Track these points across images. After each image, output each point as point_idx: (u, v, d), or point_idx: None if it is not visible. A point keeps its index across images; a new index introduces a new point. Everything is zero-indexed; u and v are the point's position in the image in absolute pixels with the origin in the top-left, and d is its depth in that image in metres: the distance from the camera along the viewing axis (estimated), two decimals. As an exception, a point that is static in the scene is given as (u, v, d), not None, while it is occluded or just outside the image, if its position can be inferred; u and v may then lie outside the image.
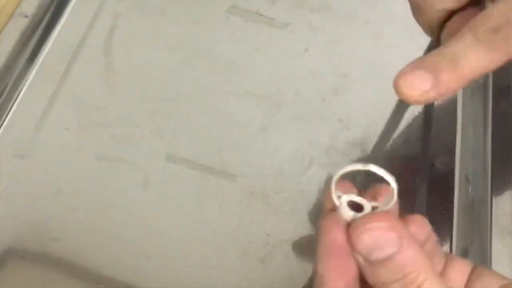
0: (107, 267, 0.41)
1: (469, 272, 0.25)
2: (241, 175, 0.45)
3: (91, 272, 0.41)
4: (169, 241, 0.42)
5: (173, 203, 0.44)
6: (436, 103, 0.49)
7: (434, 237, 0.25)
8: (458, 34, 0.23)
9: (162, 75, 0.49)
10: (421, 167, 0.47)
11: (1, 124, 0.46)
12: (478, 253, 0.44)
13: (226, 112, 0.48)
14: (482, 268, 0.26)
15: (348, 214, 0.22)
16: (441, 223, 0.45)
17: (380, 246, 0.21)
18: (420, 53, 0.51)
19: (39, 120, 0.46)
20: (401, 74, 0.23)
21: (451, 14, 0.27)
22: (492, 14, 0.22)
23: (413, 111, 0.48)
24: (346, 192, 0.23)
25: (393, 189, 0.23)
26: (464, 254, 0.44)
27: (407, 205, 0.45)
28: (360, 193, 0.23)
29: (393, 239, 0.21)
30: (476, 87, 0.50)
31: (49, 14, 0.51)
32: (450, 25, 0.27)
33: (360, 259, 0.22)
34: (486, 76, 0.51)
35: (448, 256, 0.26)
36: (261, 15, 0.52)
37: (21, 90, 0.47)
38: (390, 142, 0.47)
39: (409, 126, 0.48)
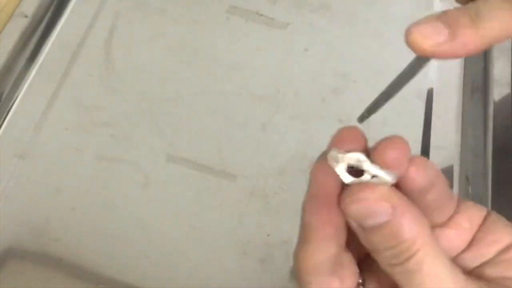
0: (107, 267, 0.41)
1: (481, 221, 0.24)
2: (241, 175, 0.45)
3: (91, 271, 0.41)
4: (169, 241, 0.42)
5: (173, 203, 0.44)
6: (435, 103, 0.49)
7: (443, 181, 0.23)
8: None
9: (162, 75, 0.49)
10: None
11: (1, 124, 0.46)
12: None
13: (226, 112, 0.48)
14: (495, 219, 0.24)
15: (346, 178, 0.21)
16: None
17: (371, 215, 0.21)
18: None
19: (39, 120, 0.46)
20: (415, 23, 0.21)
21: None
22: None
23: (414, 111, 0.48)
24: (353, 147, 0.22)
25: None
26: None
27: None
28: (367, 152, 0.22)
29: (385, 209, 0.20)
30: (476, 86, 0.50)
31: (49, 14, 0.51)
32: None
33: (353, 224, 0.21)
34: (486, 76, 0.51)
35: (461, 201, 0.24)
36: (261, 15, 0.52)
37: (21, 90, 0.47)
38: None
39: (409, 126, 0.48)
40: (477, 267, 0.24)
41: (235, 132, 0.47)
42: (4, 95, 0.47)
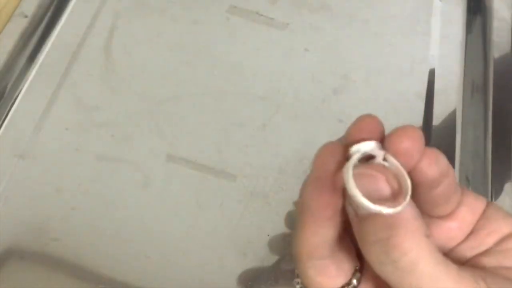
0: (107, 267, 0.41)
1: (481, 212, 0.24)
2: (241, 175, 0.45)
3: (91, 272, 0.41)
4: (169, 241, 0.42)
5: (173, 203, 0.44)
6: (435, 103, 0.49)
7: (452, 174, 0.23)
8: None
9: (162, 75, 0.49)
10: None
11: (1, 124, 0.46)
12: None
13: (226, 112, 0.48)
14: (494, 209, 0.24)
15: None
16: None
17: (369, 197, 0.20)
18: (420, 52, 0.51)
19: (39, 120, 0.46)
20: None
21: None
22: None
23: (414, 111, 0.48)
24: (369, 136, 0.21)
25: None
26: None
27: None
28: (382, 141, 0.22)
29: (386, 192, 0.20)
30: (476, 87, 0.50)
31: (49, 14, 0.51)
32: None
33: (351, 212, 0.21)
34: (486, 76, 0.51)
35: (464, 192, 0.24)
36: (261, 15, 0.52)
37: (21, 90, 0.47)
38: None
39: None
40: (475, 256, 0.24)
41: (235, 132, 0.47)
42: (4, 95, 0.47)
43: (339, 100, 0.48)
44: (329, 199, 0.21)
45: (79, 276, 0.40)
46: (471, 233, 0.24)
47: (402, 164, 0.21)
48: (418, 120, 0.48)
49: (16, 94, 0.47)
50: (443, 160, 0.22)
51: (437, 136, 0.48)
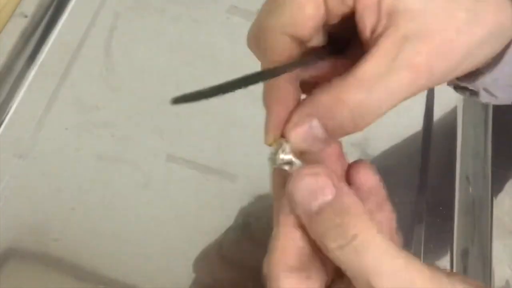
0: (106, 267, 0.41)
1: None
2: (241, 175, 0.45)
3: (91, 272, 0.41)
4: (169, 241, 0.42)
5: (173, 203, 0.43)
6: (436, 103, 0.49)
7: (382, 190, 0.25)
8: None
9: (162, 75, 0.49)
10: (422, 166, 0.47)
11: (1, 124, 0.46)
12: (478, 253, 0.44)
13: (226, 112, 0.47)
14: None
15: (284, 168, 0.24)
16: (441, 223, 0.45)
17: (315, 193, 0.22)
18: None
19: (39, 120, 0.46)
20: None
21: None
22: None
23: (415, 111, 0.48)
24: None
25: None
26: (465, 254, 0.44)
27: (408, 205, 0.45)
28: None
29: (328, 185, 0.22)
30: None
31: (49, 14, 0.51)
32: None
33: (301, 213, 0.22)
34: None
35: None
36: (261, 15, 0.52)
37: (21, 90, 0.47)
38: (391, 141, 0.47)
39: (410, 126, 0.48)
40: None
41: (235, 132, 0.47)
42: (4, 95, 0.47)
43: (339, 100, 0.48)
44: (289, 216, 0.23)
45: (79, 276, 0.40)
46: None
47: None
48: (419, 120, 0.48)
49: (16, 94, 0.47)
50: (374, 171, 0.25)
51: (438, 136, 0.48)
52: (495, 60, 0.24)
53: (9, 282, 0.40)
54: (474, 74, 0.25)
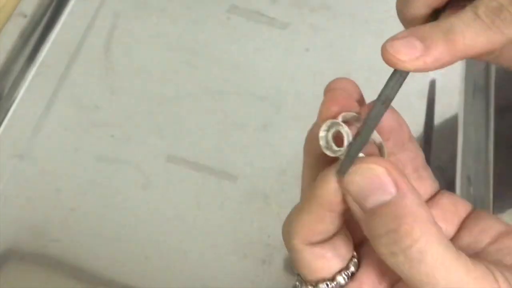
0: (106, 268, 0.41)
1: (467, 213, 0.24)
2: (241, 176, 0.45)
3: (91, 272, 0.41)
4: (169, 241, 0.42)
5: (173, 204, 0.43)
6: (437, 103, 0.49)
7: (404, 129, 0.24)
8: (460, 11, 0.22)
9: (162, 75, 0.49)
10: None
11: (1, 124, 0.46)
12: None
13: (226, 112, 0.47)
14: (482, 211, 0.24)
15: (332, 149, 0.21)
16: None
17: (374, 190, 0.20)
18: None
19: (38, 120, 0.46)
20: (390, 39, 0.22)
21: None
22: None
23: (416, 111, 0.48)
24: (340, 109, 0.22)
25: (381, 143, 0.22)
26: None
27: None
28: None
29: (389, 184, 0.20)
30: (478, 87, 0.50)
31: (48, 14, 0.51)
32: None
33: (355, 208, 0.21)
34: (488, 77, 0.50)
35: (444, 192, 0.25)
36: (262, 14, 0.52)
37: (20, 90, 0.47)
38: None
39: (410, 126, 0.48)
40: (471, 255, 0.23)
41: (235, 132, 0.47)
42: (3, 95, 0.47)
43: (339, 100, 0.48)
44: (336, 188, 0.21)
45: (78, 277, 0.40)
46: (461, 230, 0.24)
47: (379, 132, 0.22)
48: (420, 121, 0.48)
49: (16, 94, 0.47)
50: (397, 113, 0.24)
51: (439, 136, 0.48)
52: None
53: (9, 283, 0.40)
54: None
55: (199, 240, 0.42)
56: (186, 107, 0.47)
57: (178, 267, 0.41)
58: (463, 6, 0.22)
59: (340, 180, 0.21)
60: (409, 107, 0.48)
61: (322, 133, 0.22)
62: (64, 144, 0.45)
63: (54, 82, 0.48)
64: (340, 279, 0.22)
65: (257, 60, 0.50)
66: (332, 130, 0.22)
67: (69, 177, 0.44)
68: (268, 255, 0.42)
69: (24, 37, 0.49)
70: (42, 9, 0.51)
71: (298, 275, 0.24)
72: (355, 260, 0.23)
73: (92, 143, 0.45)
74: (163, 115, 0.47)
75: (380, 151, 0.23)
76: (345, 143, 0.21)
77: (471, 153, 0.47)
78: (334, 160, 0.22)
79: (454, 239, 0.24)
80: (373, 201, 0.20)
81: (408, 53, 0.21)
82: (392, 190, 0.20)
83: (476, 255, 0.23)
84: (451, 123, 0.49)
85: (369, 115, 0.21)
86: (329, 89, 0.24)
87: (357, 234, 0.23)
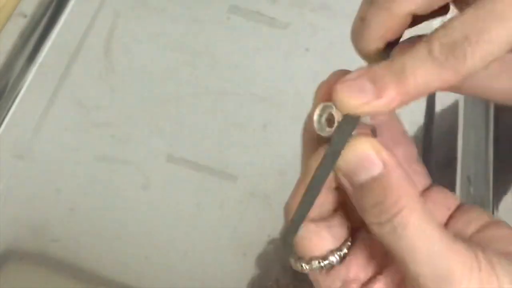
0: (106, 268, 0.41)
1: (456, 205, 0.25)
2: (241, 176, 0.45)
3: (91, 273, 0.41)
4: (169, 241, 0.42)
5: (173, 204, 0.43)
6: (437, 103, 0.49)
7: (397, 123, 0.25)
8: (413, 47, 0.21)
9: (162, 75, 0.49)
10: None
11: (1, 124, 0.46)
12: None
13: (227, 112, 0.47)
14: (470, 204, 0.25)
15: (325, 130, 0.23)
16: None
17: (362, 167, 0.21)
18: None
19: (39, 120, 0.46)
20: (341, 81, 0.22)
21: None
22: (451, 27, 0.20)
23: (415, 111, 0.48)
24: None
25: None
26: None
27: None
28: None
29: (376, 160, 0.21)
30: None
31: (48, 14, 0.51)
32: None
33: (346, 184, 0.22)
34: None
35: (436, 186, 0.25)
36: (262, 14, 0.52)
37: (20, 90, 0.47)
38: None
39: (410, 128, 0.48)
40: None
41: (235, 132, 0.47)
42: (3, 95, 0.47)
43: (340, 100, 0.48)
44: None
45: (78, 277, 0.40)
46: (449, 221, 0.25)
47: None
48: (420, 121, 0.48)
49: (16, 94, 0.47)
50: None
51: (439, 136, 0.48)
52: None
53: (8, 283, 0.40)
54: None
55: (199, 240, 0.42)
56: (186, 107, 0.47)
57: (178, 267, 0.41)
58: (419, 38, 0.22)
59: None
60: (409, 107, 0.48)
61: (316, 117, 0.23)
62: (64, 144, 0.45)
63: (54, 82, 0.48)
64: (332, 259, 0.24)
65: (257, 60, 0.50)
66: (326, 113, 0.23)
67: (69, 177, 0.44)
68: (268, 255, 0.42)
69: (24, 37, 0.49)
70: (42, 9, 0.51)
71: (293, 251, 0.25)
72: (349, 243, 0.24)
73: (92, 143, 0.45)
74: (163, 115, 0.47)
75: (372, 132, 0.23)
76: (335, 124, 0.22)
77: (471, 153, 0.47)
78: (328, 140, 0.22)
79: None
80: (361, 176, 0.21)
81: (359, 97, 0.21)
82: (379, 166, 0.21)
83: None
84: (451, 123, 0.48)
85: (316, 173, 0.22)
86: (327, 78, 0.25)
87: (355, 219, 0.24)
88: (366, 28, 0.25)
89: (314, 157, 0.23)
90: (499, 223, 0.24)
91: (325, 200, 0.23)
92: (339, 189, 0.23)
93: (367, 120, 0.23)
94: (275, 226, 0.43)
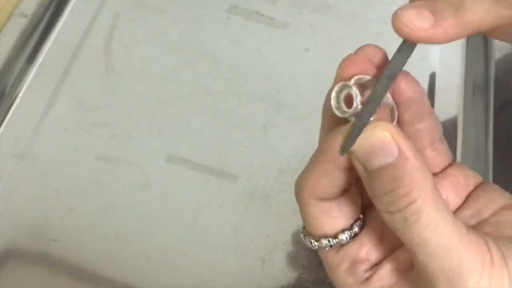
0: (106, 268, 0.41)
1: (476, 184, 0.25)
2: (241, 176, 0.45)
3: (91, 273, 0.41)
4: (169, 241, 0.42)
5: (173, 204, 0.43)
6: (437, 103, 0.49)
7: (424, 100, 0.25)
8: None
9: (162, 75, 0.49)
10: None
11: (1, 124, 0.46)
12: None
13: (226, 112, 0.47)
14: (490, 184, 0.25)
15: (341, 109, 0.23)
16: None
17: (376, 153, 0.21)
18: (421, 52, 0.50)
19: (39, 120, 0.46)
20: (402, 7, 0.22)
21: None
22: None
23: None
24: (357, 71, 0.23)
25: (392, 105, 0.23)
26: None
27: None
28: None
29: (391, 147, 0.21)
30: (477, 87, 0.50)
31: (48, 14, 0.51)
32: None
33: (360, 169, 0.22)
34: (487, 76, 0.50)
35: (458, 164, 0.25)
36: (262, 14, 0.52)
37: (20, 90, 0.47)
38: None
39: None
40: (473, 226, 0.24)
41: (235, 132, 0.47)
42: (3, 95, 0.47)
43: (339, 100, 0.48)
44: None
45: (78, 277, 0.40)
46: (467, 201, 0.25)
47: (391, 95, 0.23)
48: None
49: (16, 94, 0.47)
50: (418, 83, 0.24)
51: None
52: None
53: (8, 283, 0.40)
54: None
55: (199, 240, 0.42)
56: (186, 107, 0.47)
57: (178, 267, 0.41)
58: None
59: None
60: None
61: (333, 94, 0.23)
62: (64, 144, 0.45)
63: (54, 82, 0.48)
64: (342, 237, 0.23)
65: (257, 60, 0.50)
66: (344, 92, 0.23)
67: (69, 177, 0.44)
68: (267, 254, 0.42)
69: (24, 37, 0.49)
70: (42, 9, 0.51)
71: (304, 227, 0.24)
72: (360, 222, 0.24)
73: (92, 143, 0.45)
74: (163, 115, 0.47)
75: (391, 113, 0.23)
76: (354, 104, 0.22)
77: (471, 153, 0.47)
78: (346, 120, 0.22)
79: (460, 209, 0.25)
80: (375, 163, 0.21)
81: (418, 23, 0.21)
82: (394, 153, 0.21)
83: (477, 225, 0.24)
84: (451, 123, 0.48)
85: (375, 88, 0.22)
86: (351, 54, 0.24)
87: (367, 197, 0.23)
88: None
89: (328, 139, 0.23)
90: None
91: (337, 179, 0.23)
92: (353, 167, 0.22)
93: (389, 100, 0.23)
94: (274, 225, 0.43)
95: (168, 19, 0.52)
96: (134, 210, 0.43)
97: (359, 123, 0.21)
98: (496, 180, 0.46)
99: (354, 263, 0.23)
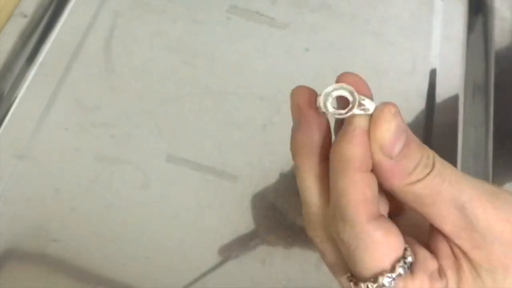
0: (106, 268, 0.41)
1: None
2: (241, 176, 0.45)
3: (91, 272, 0.41)
4: (169, 241, 0.42)
5: (173, 204, 0.43)
6: (437, 103, 0.49)
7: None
8: None
9: (162, 75, 0.49)
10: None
11: (1, 124, 0.46)
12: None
13: (227, 112, 0.47)
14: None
15: (328, 107, 0.24)
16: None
17: (400, 134, 0.22)
18: (421, 52, 0.50)
19: (38, 120, 0.46)
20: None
21: None
22: None
23: (415, 111, 0.48)
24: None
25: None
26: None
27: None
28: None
29: (405, 129, 0.22)
30: (478, 86, 0.50)
31: (48, 14, 0.51)
32: None
33: (381, 158, 0.21)
34: (488, 77, 0.50)
35: None
36: (262, 15, 0.52)
37: (20, 90, 0.47)
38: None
39: (411, 125, 0.48)
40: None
41: (235, 132, 0.47)
42: (3, 95, 0.47)
43: (339, 100, 0.48)
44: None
45: (78, 277, 0.40)
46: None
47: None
48: (420, 120, 0.48)
49: (16, 94, 0.47)
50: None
51: (439, 135, 0.48)
52: None
53: (9, 283, 0.40)
54: None
55: (199, 240, 0.42)
56: (186, 107, 0.47)
57: (178, 267, 0.41)
58: None
59: (370, 133, 0.22)
60: (409, 107, 0.48)
61: (326, 89, 0.25)
62: (64, 144, 0.45)
63: (54, 82, 0.48)
64: (400, 270, 0.20)
65: (257, 60, 0.50)
66: (338, 92, 0.24)
67: (69, 177, 0.44)
68: (268, 255, 0.42)
69: (24, 37, 0.49)
70: (42, 9, 0.51)
71: (349, 275, 0.21)
72: (407, 246, 0.21)
73: (92, 143, 0.45)
74: (163, 115, 0.47)
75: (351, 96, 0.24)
76: (354, 98, 0.23)
77: (471, 152, 0.47)
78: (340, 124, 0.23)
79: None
80: (400, 144, 0.21)
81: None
82: (406, 133, 0.22)
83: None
84: (451, 122, 0.48)
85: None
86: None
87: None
88: None
89: (346, 144, 0.22)
90: None
91: (374, 191, 0.22)
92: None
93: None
94: (274, 226, 0.43)
95: (168, 19, 0.52)
96: (134, 210, 0.43)
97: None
98: (496, 180, 0.46)
99: (432, 277, 0.21)
